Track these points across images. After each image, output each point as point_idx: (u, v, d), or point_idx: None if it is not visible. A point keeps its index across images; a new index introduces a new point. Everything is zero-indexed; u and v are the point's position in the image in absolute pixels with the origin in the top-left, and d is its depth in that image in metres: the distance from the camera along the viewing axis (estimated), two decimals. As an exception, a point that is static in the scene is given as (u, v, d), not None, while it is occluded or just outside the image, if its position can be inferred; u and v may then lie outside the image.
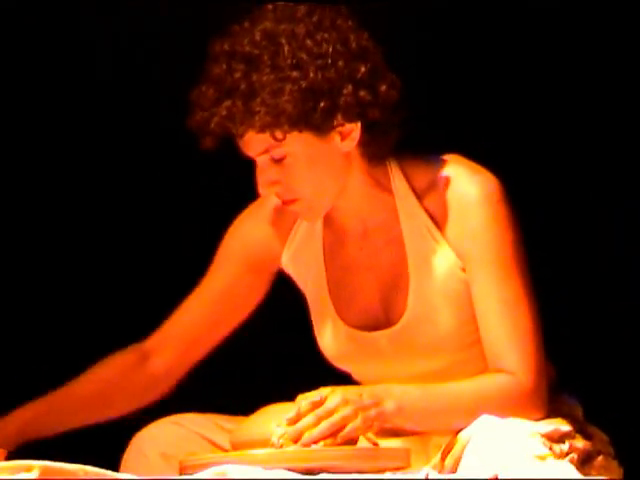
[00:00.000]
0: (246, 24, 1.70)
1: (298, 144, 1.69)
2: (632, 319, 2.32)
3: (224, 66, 1.66)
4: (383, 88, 1.71)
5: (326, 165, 1.74)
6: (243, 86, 1.63)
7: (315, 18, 1.69)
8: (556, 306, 2.19)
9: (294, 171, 1.71)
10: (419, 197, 1.78)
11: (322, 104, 1.65)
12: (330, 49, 1.67)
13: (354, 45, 1.69)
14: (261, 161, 1.72)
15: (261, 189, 1.74)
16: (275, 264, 1.93)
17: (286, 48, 1.65)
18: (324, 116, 1.66)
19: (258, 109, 1.63)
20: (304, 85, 1.64)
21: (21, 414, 1.89)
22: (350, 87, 1.67)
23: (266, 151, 1.70)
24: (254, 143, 1.69)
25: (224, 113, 1.64)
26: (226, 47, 1.68)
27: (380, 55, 1.73)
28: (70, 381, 1.94)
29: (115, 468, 1.73)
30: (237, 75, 1.64)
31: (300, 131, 1.67)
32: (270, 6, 1.72)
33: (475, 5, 2.35)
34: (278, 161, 1.70)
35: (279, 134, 1.66)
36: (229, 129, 1.67)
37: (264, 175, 1.72)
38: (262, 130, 1.65)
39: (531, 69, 2.37)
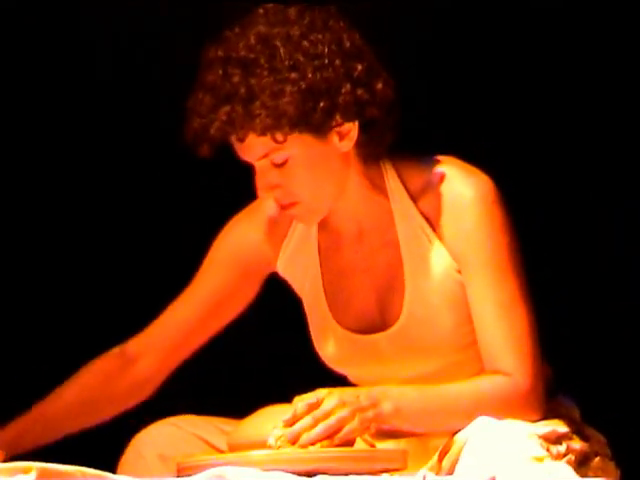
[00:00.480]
0: (237, 30, 1.70)
1: (298, 146, 1.69)
2: (631, 319, 2.32)
3: (220, 72, 1.66)
4: (379, 86, 1.72)
5: (326, 167, 1.74)
6: (242, 90, 1.63)
7: (307, 20, 1.69)
8: (555, 306, 2.19)
9: (294, 174, 1.71)
10: (414, 199, 1.78)
11: (322, 104, 1.65)
12: (326, 49, 1.67)
13: (348, 44, 1.70)
14: (260, 166, 1.71)
15: (261, 194, 1.74)
16: (267, 269, 1.93)
17: (282, 50, 1.65)
18: (324, 116, 1.66)
19: (258, 112, 1.63)
20: (304, 86, 1.64)
21: (9, 430, 1.88)
22: (348, 86, 1.68)
23: (265, 155, 1.69)
24: (254, 148, 1.69)
25: (224, 118, 1.63)
26: (220, 53, 1.68)
27: (373, 54, 1.74)
28: (54, 390, 1.93)
29: (113, 470, 1.73)
30: (235, 80, 1.64)
31: (300, 132, 1.67)
32: (261, 10, 1.72)
33: (475, 5, 2.35)
34: (278, 165, 1.70)
35: (280, 136, 1.66)
36: (229, 134, 1.66)
37: (264, 179, 1.72)
38: (263, 133, 1.65)
39: (531, 69, 2.37)
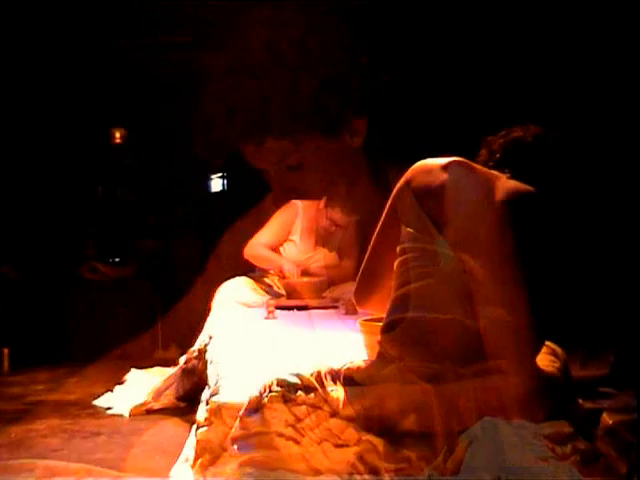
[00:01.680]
0: (237, 39, 1.69)
1: (313, 147, 1.68)
2: (631, 319, 2.32)
3: (229, 81, 1.65)
4: (382, 78, 1.73)
5: (339, 166, 1.74)
6: (256, 96, 1.62)
7: (303, 21, 1.69)
8: (556, 306, 2.19)
9: (310, 175, 1.71)
10: (418, 197, 1.78)
11: (335, 100, 1.66)
12: (330, 47, 1.68)
13: (347, 41, 1.71)
14: (275, 171, 1.71)
15: (279, 197, 1.74)
16: None
17: (289, 52, 1.65)
18: (338, 112, 1.67)
19: (276, 115, 1.62)
20: (316, 84, 1.64)
21: None
22: (357, 79, 1.68)
23: (282, 159, 1.69)
24: (270, 152, 1.69)
25: (242, 125, 1.63)
26: (224, 63, 1.67)
27: (367, 49, 1.75)
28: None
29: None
30: (247, 86, 1.63)
31: (316, 132, 1.67)
32: (256, 17, 1.71)
33: (475, 5, 2.35)
34: (294, 168, 1.70)
35: (298, 137, 1.66)
36: (247, 141, 1.66)
37: (280, 184, 1.72)
38: (282, 135, 1.65)
39: (531, 69, 2.38)
